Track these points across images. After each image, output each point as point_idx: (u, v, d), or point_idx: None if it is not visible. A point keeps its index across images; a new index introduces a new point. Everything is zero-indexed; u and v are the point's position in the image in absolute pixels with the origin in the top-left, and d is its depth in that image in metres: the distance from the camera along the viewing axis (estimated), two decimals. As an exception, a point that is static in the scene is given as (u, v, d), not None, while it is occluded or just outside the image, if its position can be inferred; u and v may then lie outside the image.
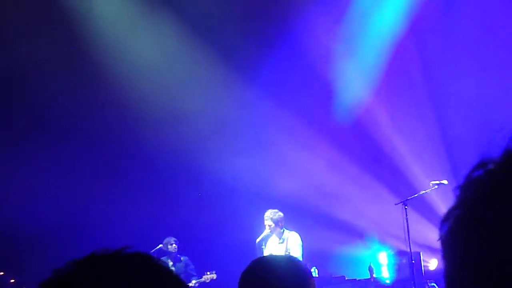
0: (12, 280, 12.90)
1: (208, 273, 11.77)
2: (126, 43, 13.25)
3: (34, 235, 12.51)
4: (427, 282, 11.33)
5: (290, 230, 10.19)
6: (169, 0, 13.23)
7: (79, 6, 12.92)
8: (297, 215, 11.32)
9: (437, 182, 10.70)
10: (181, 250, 12.05)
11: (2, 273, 12.87)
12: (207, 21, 13.20)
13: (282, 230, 10.13)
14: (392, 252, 12.16)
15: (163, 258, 11.76)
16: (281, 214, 10.20)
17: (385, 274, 11.97)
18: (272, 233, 10.14)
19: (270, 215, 10.13)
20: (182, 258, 12.03)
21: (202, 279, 11.79)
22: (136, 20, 13.24)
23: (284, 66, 13.41)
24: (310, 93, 13.61)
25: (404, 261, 11.41)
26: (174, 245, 11.93)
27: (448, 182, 10.92)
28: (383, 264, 12.12)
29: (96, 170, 13.43)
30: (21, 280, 12.70)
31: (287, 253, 9.66)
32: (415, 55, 13.31)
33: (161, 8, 13.19)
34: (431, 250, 12.28)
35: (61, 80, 12.84)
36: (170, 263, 11.83)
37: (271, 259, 2.77)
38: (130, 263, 1.29)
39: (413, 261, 10.55)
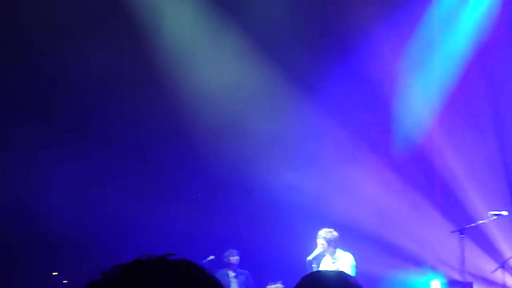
0: (65, 281, 13.07)
1: (272, 283, 11.62)
2: (192, 57, 13.38)
3: (87, 239, 12.67)
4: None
5: (344, 251, 10.11)
6: (234, 14, 13.30)
7: (149, 17, 13.11)
8: (350, 236, 11.23)
9: (496, 212, 10.54)
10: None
11: (56, 273, 13.06)
12: (271, 36, 13.24)
13: (335, 250, 10.07)
14: (444, 281, 11.97)
15: (223, 270, 11.79)
16: (335, 233, 10.13)
17: (437, 302, 11.79)
18: (325, 252, 10.08)
19: (324, 234, 10.08)
20: (243, 271, 12.03)
21: None
22: (202, 35, 13.37)
23: (345, 84, 13.36)
24: (371, 114, 13.51)
25: (456, 290, 11.23)
26: (236, 257, 11.96)
27: (508, 214, 10.75)
28: (435, 293, 11.94)
29: (149, 178, 13.53)
30: (73, 281, 12.87)
31: (338, 272, 9.57)
32: (480, 82, 13.12)
33: (227, 22, 13.29)
34: (484, 281, 12.05)
35: (129, 92, 13.06)
36: (232, 274, 11.86)
37: (322, 274, 2.76)
38: (175, 269, 1.30)
39: (466, 292, 10.38)
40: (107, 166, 13.15)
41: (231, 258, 11.90)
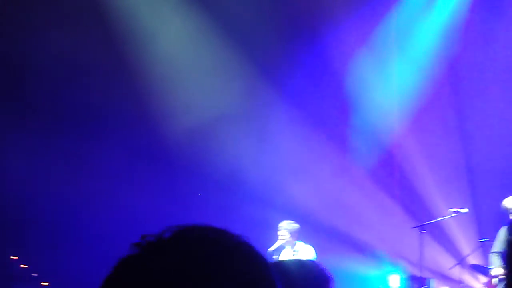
0: (25, 266, 12.97)
1: None
2: (158, 39, 13.33)
3: (53, 224, 12.60)
4: (436, 310, 11.25)
5: (306, 243, 10.14)
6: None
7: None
8: (309, 228, 11.26)
9: (456, 210, 10.65)
10: None
11: (15, 257, 12.93)
12: (238, 21, 13.20)
13: (295, 242, 10.09)
14: (404, 276, 12.08)
15: None
16: (296, 225, 10.15)
17: (395, 297, 11.89)
18: (286, 245, 10.10)
19: (285, 226, 10.09)
20: None
21: None
22: (166, 13, 13.32)
23: (311, 75, 13.40)
24: (333, 106, 13.57)
25: (415, 286, 11.33)
26: None
27: (468, 211, 10.86)
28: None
29: (115, 161, 13.45)
30: (34, 267, 12.78)
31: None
32: (445, 81, 13.23)
33: (193, 6, 13.26)
34: (443, 277, 12.18)
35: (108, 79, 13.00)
36: None
37: (281, 263, 2.75)
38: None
39: (424, 287, 10.48)
40: (76, 150, 13.05)
41: None
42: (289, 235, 10.03)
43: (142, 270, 1.22)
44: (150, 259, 1.23)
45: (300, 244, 10.10)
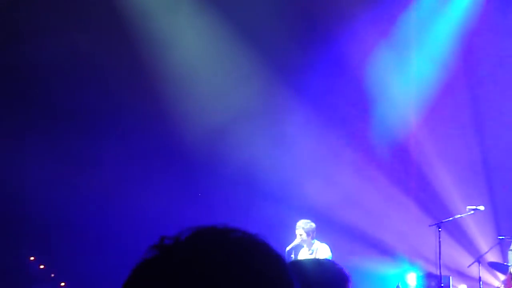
0: (42, 266, 13.04)
1: None
2: (176, 41, 13.35)
3: (67, 225, 12.65)
4: (454, 307, 11.21)
5: (321, 242, 10.14)
6: (215, 2, 13.28)
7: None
8: (327, 227, 11.25)
9: (473, 207, 10.60)
10: None
11: (32, 258, 13.01)
12: (254, 26, 13.21)
13: (313, 241, 10.09)
14: (421, 274, 12.04)
15: None
16: (313, 224, 10.15)
17: (413, 295, 11.85)
18: (303, 243, 10.09)
19: (302, 225, 10.08)
20: None
21: None
22: (183, 16, 13.34)
23: (328, 75, 13.38)
24: (351, 106, 13.55)
25: (433, 284, 11.29)
26: None
27: (485, 208, 10.82)
28: (412, 286, 12.00)
29: (129, 165, 13.50)
30: (50, 267, 12.84)
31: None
32: (462, 79, 13.18)
33: (208, 9, 13.27)
34: (461, 275, 12.14)
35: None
36: None
37: (298, 263, 2.74)
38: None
39: (442, 285, 10.44)
40: (94, 151, 13.10)
41: None
42: (305, 234, 10.03)
43: (162, 273, 1.22)
44: (169, 261, 1.23)
45: (316, 243, 10.10)
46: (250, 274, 1.22)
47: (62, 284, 12.98)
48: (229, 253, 1.24)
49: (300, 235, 10.05)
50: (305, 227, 10.05)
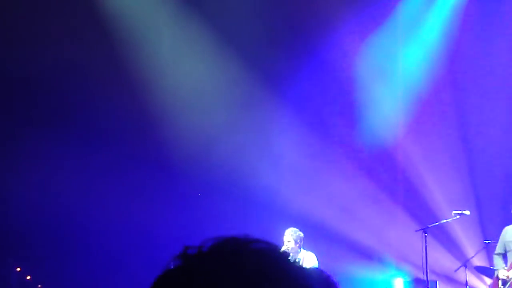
0: (28, 277, 12.97)
1: None
2: (158, 52, 13.36)
3: (54, 235, 12.60)
4: (442, 312, 11.23)
5: (307, 250, 10.14)
6: (199, 9, 13.29)
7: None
8: (313, 233, 11.25)
9: (459, 212, 10.65)
10: None
11: (18, 269, 12.95)
12: (237, 32, 13.21)
13: (299, 250, 10.09)
14: (408, 279, 12.06)
15: None
16: (301, 234, 10.15)
17: (400, 300, 11.88)
18: (290, 252, 10.09)
19: (291, 233, 10.08)
20: None
21: None
22: (164, 22, 13.36)
23: (312, 80, 13.40)
24: (337, 111, 13.58)
25: (420, 289, 11.32)
26: None
27: (471, 213, 10.86)
28: (399, 291, 12.03)
29: (122, 172, 13.47)
30: (37, 278, 12.78)
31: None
32: (447, 83, 13.23)
33: (193, 17, 13.28)
34: (448, 279, 12.17)
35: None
36: None
37: None
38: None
39: (429, 290, 10.46)
40: (73, 161, 13.06)
41: None
42: (293, 242, 10.03)
43: (187, 282, 1.22)
44: (194, 272, 1.23)
45: (303, 252, 10.10)
46: (276, 284, 1.23)
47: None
48: (253, 264, 1.24)
49: (288, 241, 10.04)
50: (293, 235, 10.05)
